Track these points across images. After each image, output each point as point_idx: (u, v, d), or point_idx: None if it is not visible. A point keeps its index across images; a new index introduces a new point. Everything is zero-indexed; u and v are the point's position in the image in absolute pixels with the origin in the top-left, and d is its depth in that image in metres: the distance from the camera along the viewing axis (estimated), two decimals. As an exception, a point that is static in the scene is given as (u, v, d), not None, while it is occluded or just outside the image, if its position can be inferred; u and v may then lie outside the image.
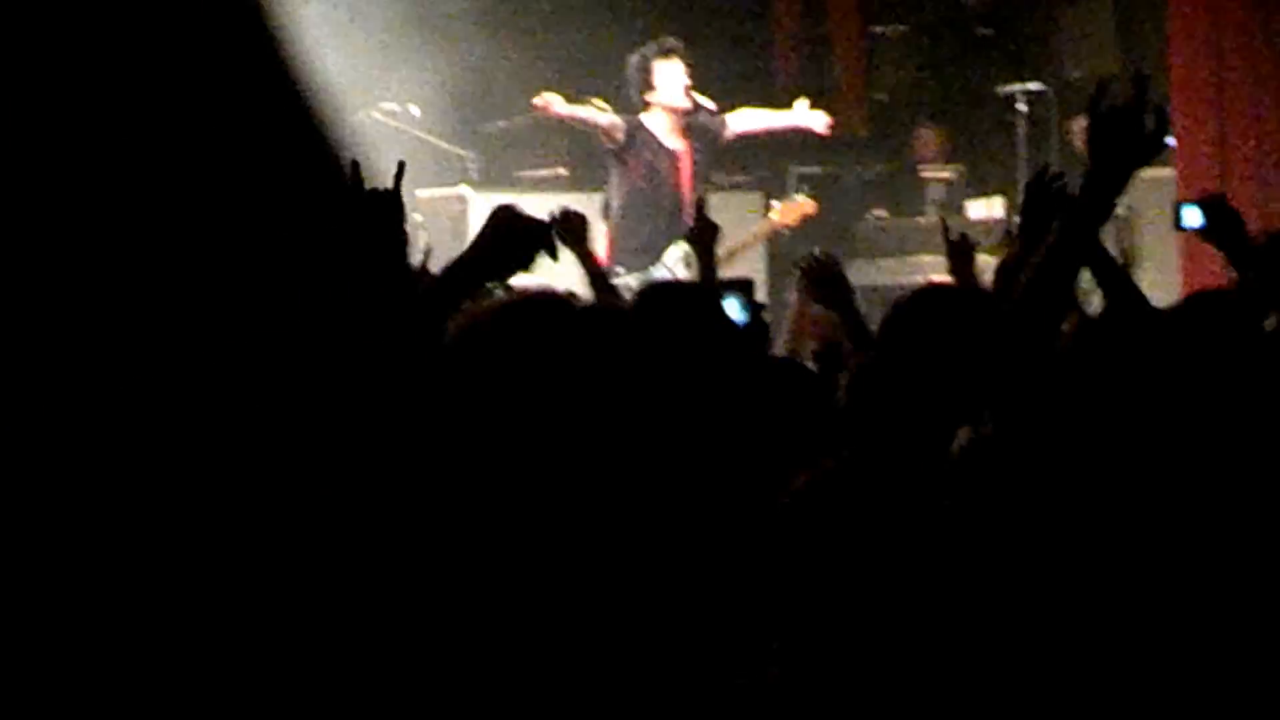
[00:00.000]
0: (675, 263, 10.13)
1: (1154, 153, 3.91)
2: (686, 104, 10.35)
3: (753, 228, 10.71)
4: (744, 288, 5.21)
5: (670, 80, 10.31)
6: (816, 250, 6.35)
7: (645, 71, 10.35)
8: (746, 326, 5.03)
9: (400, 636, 1.71)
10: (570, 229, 6.30)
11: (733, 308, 4.91)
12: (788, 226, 10.89)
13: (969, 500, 3.28)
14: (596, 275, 6.28)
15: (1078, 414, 3.55)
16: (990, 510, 3.27)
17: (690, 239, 6.56)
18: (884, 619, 3.13)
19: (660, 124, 10.37)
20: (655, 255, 10.20)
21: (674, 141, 10.39)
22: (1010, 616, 3.16)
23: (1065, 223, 3.79)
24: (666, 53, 10.36)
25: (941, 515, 3.25)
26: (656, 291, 4.76)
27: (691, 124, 10.44)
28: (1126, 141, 3.83)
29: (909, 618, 3.13)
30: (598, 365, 2.51)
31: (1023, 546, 3.24)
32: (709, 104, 10.51)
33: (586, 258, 6.28)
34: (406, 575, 1.87)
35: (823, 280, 6.00)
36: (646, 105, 10.41)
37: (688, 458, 2.72)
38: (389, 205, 3.09)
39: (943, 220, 4.45)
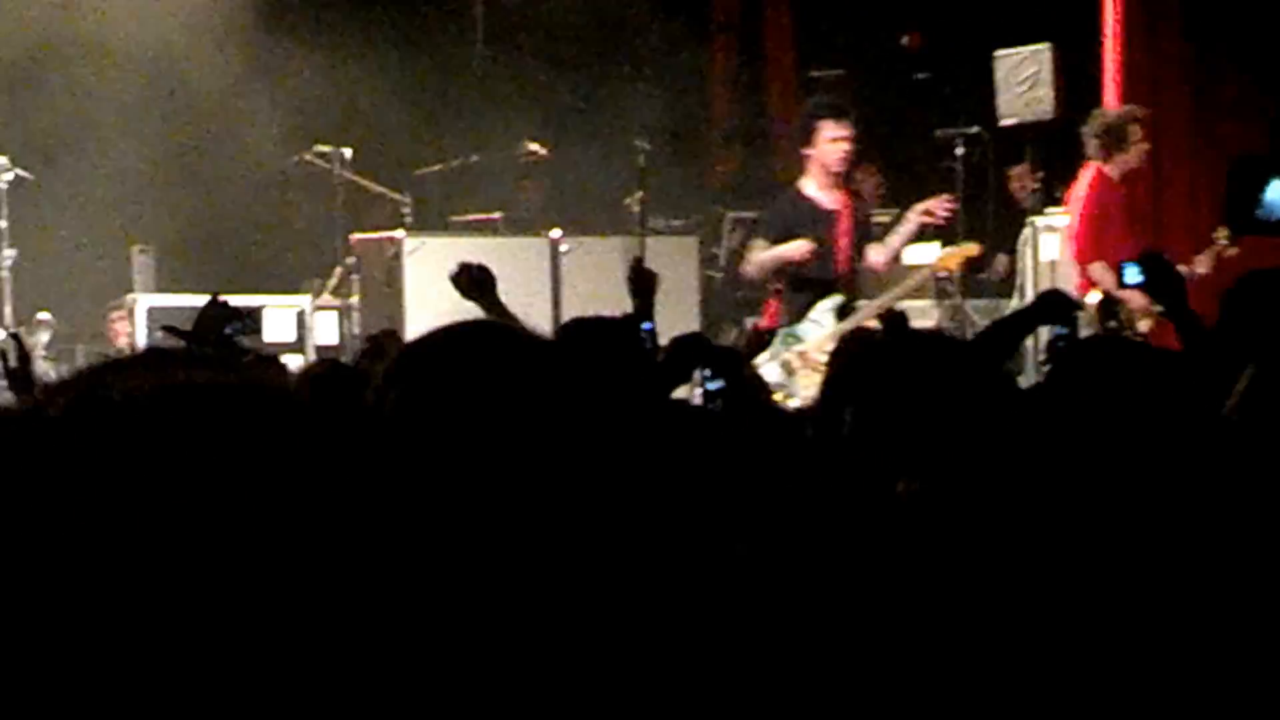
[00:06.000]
0: (824, 314, 9.98)
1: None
2: (843, 165, 10.17)
3: (915, 274, 10.52)
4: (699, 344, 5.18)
5: (833, 140, 10.07)
6: None
7: (810, 129, 10.13)
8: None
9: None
10: (472, 283, 6.33)
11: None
12: (949, 270, 10.87)
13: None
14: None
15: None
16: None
17: (630, 289, 6.51)
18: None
19: (817, 184, 10.15)
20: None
21: (832, 201, 10.17)
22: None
23: None
24: (835, 112, 10.15)
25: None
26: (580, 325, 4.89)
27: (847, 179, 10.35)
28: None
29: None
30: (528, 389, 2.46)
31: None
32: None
33: (491, 308, 6.20)
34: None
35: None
36: (805, 161, 10.22)
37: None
38: None
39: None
